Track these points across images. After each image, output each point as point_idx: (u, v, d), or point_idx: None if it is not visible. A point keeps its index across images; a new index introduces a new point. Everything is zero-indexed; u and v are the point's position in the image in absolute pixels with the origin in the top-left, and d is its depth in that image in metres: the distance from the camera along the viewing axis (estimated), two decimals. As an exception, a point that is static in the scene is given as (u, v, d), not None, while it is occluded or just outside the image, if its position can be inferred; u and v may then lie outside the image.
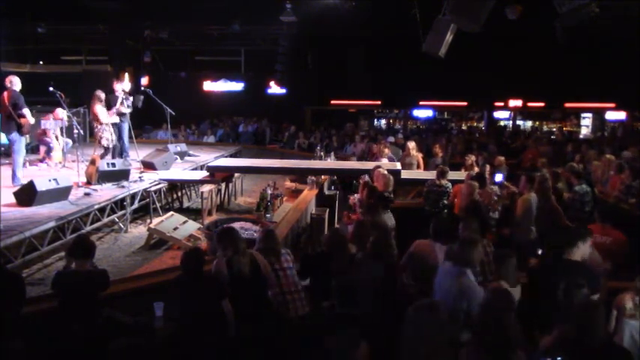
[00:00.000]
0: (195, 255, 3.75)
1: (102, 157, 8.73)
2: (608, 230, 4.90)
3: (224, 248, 3.78)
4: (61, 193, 6.72)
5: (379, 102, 19.99)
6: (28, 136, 11.32)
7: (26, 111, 7.54)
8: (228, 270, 3.69)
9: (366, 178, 7.09)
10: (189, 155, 11.13)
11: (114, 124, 9.62)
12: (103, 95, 9.12)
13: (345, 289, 3.28)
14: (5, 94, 7.41)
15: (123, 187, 7.59)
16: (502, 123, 21.44)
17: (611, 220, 5.00)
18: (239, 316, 3.62)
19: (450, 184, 7.19)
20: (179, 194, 9.50)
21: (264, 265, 3.85)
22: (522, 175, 6.52)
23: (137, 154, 10.01)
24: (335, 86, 18.31)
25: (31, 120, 7.71)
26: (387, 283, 3.95)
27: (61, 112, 9.35)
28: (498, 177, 6.47)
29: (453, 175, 7.67)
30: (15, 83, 7.49)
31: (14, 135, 7.46)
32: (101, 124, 9.00)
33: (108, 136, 9.08)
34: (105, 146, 9.07)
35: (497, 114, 20.89)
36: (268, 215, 7.22)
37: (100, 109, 9.01)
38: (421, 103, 19.80)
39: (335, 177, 9.82)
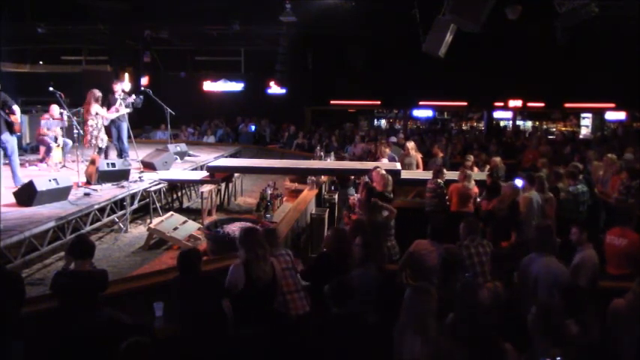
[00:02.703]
0: (190, 256, 3.74)
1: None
2: (625, 232, 4.89)
3: (248, 250, 3.70)
4: (61, 193, 6.71)
5: (379, 102, 19.99)
6: (27, 135, 11.44)
7: (16, 108, 7.38)
8: (246, 274, 3.62)
9: (366, 178, 7.10)
10: (189, 155, 11.13)
11: (112, 124, 9.64)
12: (99, 94, 9.12)
13: (342, 289, 3.28)
14: None
15: (123, 187, 7.59)
16: (502, 123, 21.45)
17: (631, 223, 4.99)
18: (247, 318, 3.61)
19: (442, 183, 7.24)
20: (179, 194, 9.50)
21: (279, 269, 3.84)
22: (524, 175, 6.52)
23: (137, 154, 10.01)
24: (335, 86, 18.31)
25: (19, 118, 7.49)
26: (383, 283, 3.95)
27: (57, 109, 9.35)
28: (518, 182, 6.47)
29: (451, 175, 7.68)
30: None
31: (6, 135, 7.21)
32: (96, 115, 8.99)
33: (103, 137, 9.11)
34: (100, 147, 9.08)
35: (497, 114, 20.88)
36: (268, 215, 7.24)
37: (98, 108, 9.02)
38: (421, 103, 19.80)
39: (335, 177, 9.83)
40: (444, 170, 7.52)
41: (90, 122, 9.04)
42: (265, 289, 3.68)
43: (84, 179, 7.80)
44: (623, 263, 4.74)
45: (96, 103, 9.01)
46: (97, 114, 9.02)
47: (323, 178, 9.34)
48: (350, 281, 3.49)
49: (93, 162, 7.83)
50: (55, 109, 9.42)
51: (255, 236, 3.80)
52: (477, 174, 8.44)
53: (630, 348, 3.17)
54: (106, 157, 9.20)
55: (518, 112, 21.05)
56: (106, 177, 7.69)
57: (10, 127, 7.27)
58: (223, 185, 9.20)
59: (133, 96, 9.86)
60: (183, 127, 15.95)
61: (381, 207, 5.43)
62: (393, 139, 12.69)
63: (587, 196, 6.76)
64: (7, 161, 7.35)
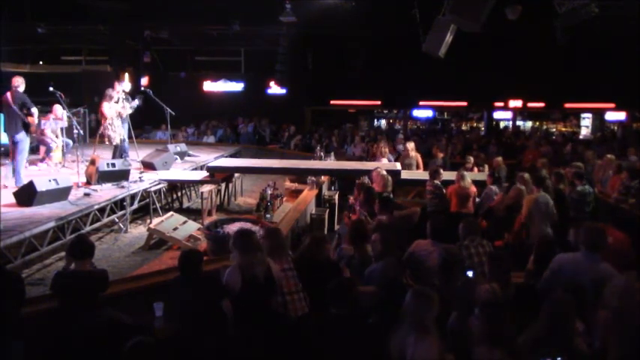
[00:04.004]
0: (191, 256, 3.73)
1: (113, 155, 9.00)
2: (609, 231, 4.89)
3: (244, 253, 3.67)
4: (61, 193, 6.72)
5: (379, 102, 19.99)
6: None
7: (34, 110, 7.66)
8: (241, 276, 3.60)
9: (366, 179, 7.11)
10: (189, 155, 11.13)
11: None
12: (113, 93, 9.13)
13: (342, 289, 3.28)
14: (9, 94, 7.43)
15: (123, 187, 7.59)
16: (502, 124, 21.46)
17: (612, 220, 5.01)
18: (247, 320, 3.60)
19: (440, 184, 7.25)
20: (179, 194, 9.50)
21: (276, 270, 3.83)
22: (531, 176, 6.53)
23: (137, 154, 10.00)
24: (335, 86, 18.32)
25: (36, 120, 7.83)
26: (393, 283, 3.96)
27: (60, 110, 9.38)
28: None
29: (451, 175, 7.68)
30: (20, 84, 7.59)
31: (22, 135, 7.46)
32: (106, 119, 9.00)
33: (115, 136, 9.11)
34: (115, 145, 9.11)
35: (497, 114, 20.89)
36: (268, 215, 7.24)
37: (105, 107, 9.03)
38: (421, 103, 19.81)
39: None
40: (441, 171, 7.51)
41: (102, 121, 9.13)
42: (261, 291, 3.67)
43: (84, 179, 7.81)
44: (611, 260, 4.75)
45: (106, 102, 9.04)
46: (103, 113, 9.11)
47: (323, 178, 9.34)
48: (352, 283, 3.49)
49: (93, 162, 7.84)
50: (58, 109, 9.45)
51: (249, 238, 3.79)
52: (477, 174, 8.46)
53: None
54: (120, 155, 9.21)
55: (518, 113, 21.07)
56: (106, 177, 7.69)
57: (27, 128, 7.54)
58: (223, 185, 9.20)
59: (137, 100, 9.84)
60: (183, 128, 15.99)
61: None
62: (400, 147, 12.60)
63: (592, 197, 6.76)
64: (7, 160, 7.43)
